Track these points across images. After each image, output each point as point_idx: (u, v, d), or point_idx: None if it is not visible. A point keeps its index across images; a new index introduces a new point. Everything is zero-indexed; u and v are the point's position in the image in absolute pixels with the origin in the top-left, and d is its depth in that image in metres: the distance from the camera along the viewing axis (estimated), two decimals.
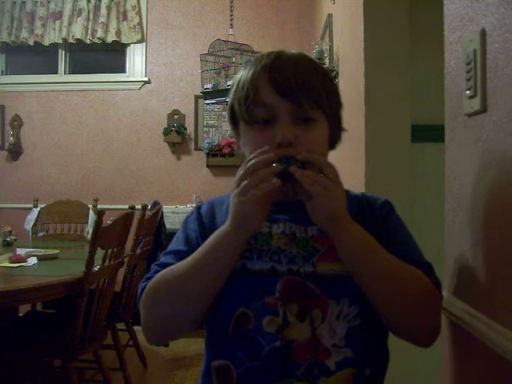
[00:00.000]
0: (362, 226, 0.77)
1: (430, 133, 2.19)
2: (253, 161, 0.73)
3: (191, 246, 0.83)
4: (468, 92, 0.82)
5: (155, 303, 0.79)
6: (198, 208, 0.90)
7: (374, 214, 0.85)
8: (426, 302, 0.77)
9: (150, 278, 0.81)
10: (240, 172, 0.74)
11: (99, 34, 4.12)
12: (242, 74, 0.82)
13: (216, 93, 3.26)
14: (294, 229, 0.81)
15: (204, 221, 0.87)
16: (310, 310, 0.75)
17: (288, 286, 0.76)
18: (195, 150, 4.18)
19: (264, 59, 0.80)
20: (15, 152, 4.29)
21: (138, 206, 2.81)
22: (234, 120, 0.86)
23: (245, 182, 0.72)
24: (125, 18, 4.17)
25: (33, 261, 2.52)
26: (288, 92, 0.77)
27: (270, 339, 0.74)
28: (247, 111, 0.79)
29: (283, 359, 0.74)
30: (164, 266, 0.82)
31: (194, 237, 0.85)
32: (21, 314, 2.79)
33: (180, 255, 0.82)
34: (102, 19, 4.12)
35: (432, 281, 0.78)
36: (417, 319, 0.77)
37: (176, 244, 0.87)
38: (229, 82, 3.18)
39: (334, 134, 0.86)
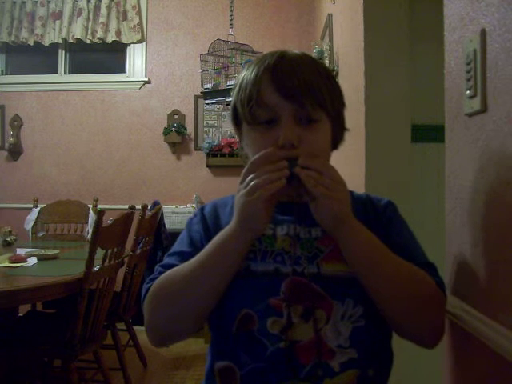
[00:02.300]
0: (366, 226, 0.77)
1: (430, 133, 2.19)
2: (261, 161, 0.72)
3: (196, 247, 0.83)
4: (468, 92, 0.82)
5: (159, 304, 0.79)
6: (202, 209, 0.90)
7: (377, 214, 0.85)
8: (430, 303, 0.77)
9: (153, 279, 0.81)
10: (246, 172, 0.74)
11: (99, 34, 4.11)
12: (245, 75, 0.82)
13: (216, 93, 3.26)
14: (298, 230, 0.81)
15: (208, 222, 0.87)
16: (314, 310, 0.75)
17: (292, 287, 0.76)
18: (195, 149, 4.18)
19: (267, 60, 0.80)
20: (15, 152, 4.29)
21: (138, 206, 2.82)
22: (236, 120, 0.85)
23: (252, 183, 0.71)
24: (125, 17, 4.17)
25: (33, 261, 2.52)
26: (291, 93, 0.76)
27: (274, 340, 0.74)
28: (250, 112, 0.79)
29: (287, 360, 0.74)
30: (168, 267, 0.82)
31: (199, 238, 0.85)
32: (21, 314, 2.79)
33: (184, 256, 0.82)
34: (102, 19, 4.12)
35: (436, 281, 0.78)
36: (421, 320, 0.77)
37: (180, 245, 0.86)
38: (229, 82, 3.18)
39: (337, 134, 0.85)
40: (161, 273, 0.81)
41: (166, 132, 4.11)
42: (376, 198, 0.89)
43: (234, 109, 0.84)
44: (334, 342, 0.74)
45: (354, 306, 0.76)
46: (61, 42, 4.20)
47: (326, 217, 0.73)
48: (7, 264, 2.42)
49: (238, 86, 0.83)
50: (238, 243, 0.75)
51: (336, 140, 0.86)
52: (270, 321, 0.75)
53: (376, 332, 0.78)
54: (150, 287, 0.81)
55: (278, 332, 0.75)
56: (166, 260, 0.85)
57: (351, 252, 0.75)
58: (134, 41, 4.19)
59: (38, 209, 3.69)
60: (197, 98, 4.12)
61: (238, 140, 0.89)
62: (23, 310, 2.84)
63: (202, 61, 3.40)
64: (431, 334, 0.79)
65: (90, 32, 4.15)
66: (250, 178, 0.72)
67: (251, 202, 0.71)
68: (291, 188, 0.73)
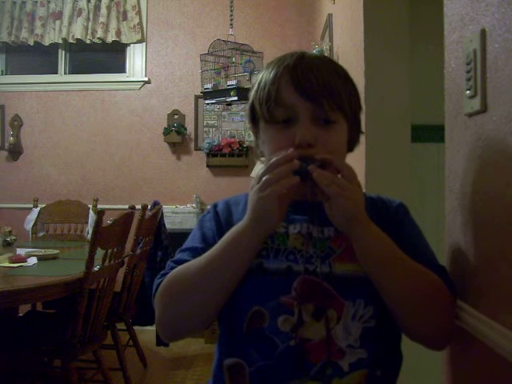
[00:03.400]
0: (378, 227, 0.77)
1: (429, 133, 2.19)
2: (274, 159, 0.73)
3: (208, 243, 0.83)
4: (468, 92, 0.82)
5: (171, 299, 0.79)
6: (215, 206, 0.91)
7: (389, 216, 0.85)
8: (440, 305, 0.77)
9: (165, 274, 0.81)
10: (261, 170, 0.74)
11: (99, 34, 4.11)
12: (264, 74, 0.83)
13: (216, 93, 3.26)
14: (311, 229, 0.81)
15: (221, 219, 0.87)
16: (326, 310, 0.75)
17: (304, 286, 0.77)
18: (195, 149, 4.18)
19: (286, 60, 0.81)
20: (15, 152, 4.29)
21: (138, 206, 2.81)
22: (254, 119, 0.86)
23: (265, 178, 0.72)
24: (125, 17, 4.17)
25: (33, 261, 2.52)
26: (309, 93, 0.77)
27: (284, 338, 0.75)
28: (268, 111, 0.80)
29: (297, 358, 0.74)
30: (180, 262, 0.82)
31: (211, 235, 0.85)
32: (21, 314, 2.79)
33: (196, 252, 0.82)
34: (102, 19, 4.12)
35: (447, 284, 0.79)
36: (430, 321, 0.77)
37: (192, 241, 0.87)
38: (229, 82, 3.18)
39: (353, 137, 0.86)
40: (172, 268, 0.82)
41: (166, 132, 4.11)
42: (387, 199, 0.90)
43: (252, 107, 0.85)
44: (344, 342, 0.75)
45: (365, 306, 0.76)
46: (61, 42, 4.20)
47: (339, 216, 0.74)
48: (7, 264, 2.42)
49: (256, 86, 0.84)
50: (251, 240, 0.75)
51: (352, 142, 0.87)
52: (281, 319, 0.75)
53: (386, 333, 0.79)
54: (161, 282, 0.81)
55: (288, 330, 0.75)
56: (178, 256, 0.85)
57: (364, 251, 0.75)
58: (134, 41, 4.19)
59: (38, 209, 3.69)
60: (197, 97, 4.12)
61: (254, 138, 0.90)
62: (23, 310, 2.84)
63: (201, 61, 3.40)
64: (440, 335, 0.79)
65: (90, 32, 4.15)
66: (261, 173, 0.73)
67: (264, 198, 0.72)
68: (305, 187, 0.74)
